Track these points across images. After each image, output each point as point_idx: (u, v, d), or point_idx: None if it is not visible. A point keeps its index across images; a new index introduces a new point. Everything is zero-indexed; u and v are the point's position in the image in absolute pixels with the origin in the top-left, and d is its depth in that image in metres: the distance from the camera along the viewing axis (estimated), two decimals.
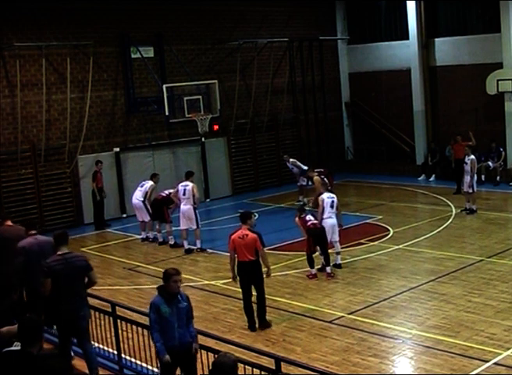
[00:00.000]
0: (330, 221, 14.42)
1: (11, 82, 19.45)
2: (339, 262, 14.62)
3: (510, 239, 16.20)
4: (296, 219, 14.31)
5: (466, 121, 23.88)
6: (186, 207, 16.67)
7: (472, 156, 18.84)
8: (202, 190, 22.05)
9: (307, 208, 15.36)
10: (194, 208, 16.72)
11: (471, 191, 18.75)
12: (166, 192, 17.71)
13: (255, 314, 11.45)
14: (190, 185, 16.74)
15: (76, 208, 20.69)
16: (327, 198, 14.61)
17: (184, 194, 16.66)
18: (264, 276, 11.53)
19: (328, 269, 14.06)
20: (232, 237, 11.39)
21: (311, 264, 14.05)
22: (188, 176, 17.25)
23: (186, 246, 16.81)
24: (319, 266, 14.30)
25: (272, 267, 12.29)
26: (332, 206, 14.51)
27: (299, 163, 21.47)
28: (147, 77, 22.00)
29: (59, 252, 9.16)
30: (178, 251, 17.03)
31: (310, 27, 26.06)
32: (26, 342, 6.13)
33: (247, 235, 11.23)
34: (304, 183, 21.10)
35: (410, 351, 10.28)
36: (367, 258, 15.30)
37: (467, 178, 18.72)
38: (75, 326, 9.18)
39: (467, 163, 18.71)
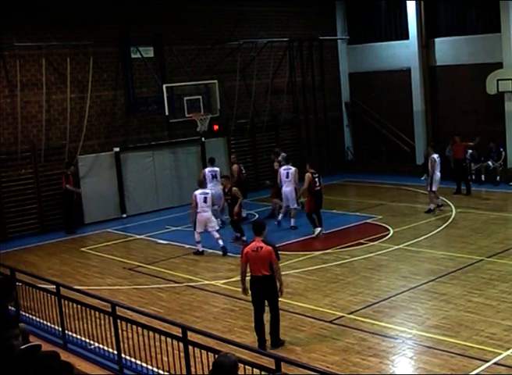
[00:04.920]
0: (205, 214, 16.27)
1: (11, 82, 19.44)
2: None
3: (509, 239, 16.19)
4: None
5: (466, 121, 23.87)
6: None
7: (433, 155, 19.01)
8: None
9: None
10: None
11: (429, 189, 18.91)
12: None
13: (266, 332, 10.61)
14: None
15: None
16: (199, 194, 16.30)
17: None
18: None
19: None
20: (245, 249, 10.50)
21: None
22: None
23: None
24: None
25: None
26: (205, 201, 16.23)
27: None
28: (147, 77, 21.99)
29: None
30: (178, 251, 17.05)
31: (310, 27, 26.05)
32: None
33: (261, 247, 10.32)
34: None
35: (410, 351, 10.28)
36: (367, 258, 15.29)
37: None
38: None
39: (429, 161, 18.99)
